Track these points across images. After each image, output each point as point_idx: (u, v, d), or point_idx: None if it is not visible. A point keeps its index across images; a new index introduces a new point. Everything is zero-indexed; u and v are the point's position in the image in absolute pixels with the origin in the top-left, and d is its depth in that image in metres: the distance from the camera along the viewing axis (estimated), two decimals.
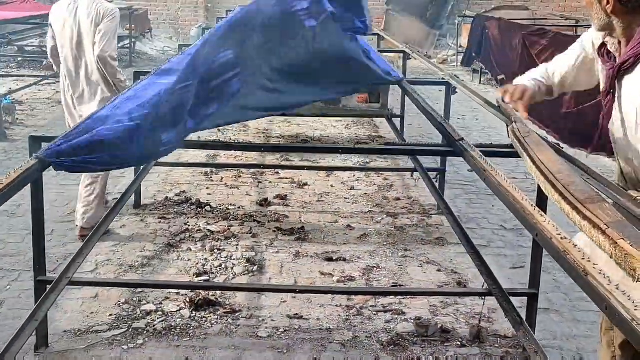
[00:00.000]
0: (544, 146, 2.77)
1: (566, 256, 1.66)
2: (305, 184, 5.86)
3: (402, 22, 14.56)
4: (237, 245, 4.59)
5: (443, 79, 5.06)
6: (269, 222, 5.03)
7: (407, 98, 5.00)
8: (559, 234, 1.77)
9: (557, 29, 9.54)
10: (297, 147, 3.14)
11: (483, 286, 3.46)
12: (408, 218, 5.20)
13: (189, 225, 4.88)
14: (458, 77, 5.06)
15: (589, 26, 12.45)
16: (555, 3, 15.32)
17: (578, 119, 6.39)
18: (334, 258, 4.43)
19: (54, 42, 4.76)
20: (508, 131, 3.10)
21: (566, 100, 6.22)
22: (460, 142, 2.96)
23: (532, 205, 2.04)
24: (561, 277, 4.15)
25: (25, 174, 2.35)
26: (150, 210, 5.17)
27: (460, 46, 13.65)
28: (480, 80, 11.60)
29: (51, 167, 2.51)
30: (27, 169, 2.37)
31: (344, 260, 4.41)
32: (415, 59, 6.85)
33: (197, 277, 4.08)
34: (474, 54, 11.33)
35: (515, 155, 2.88)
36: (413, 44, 10.26)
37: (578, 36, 9.66)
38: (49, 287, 3.11)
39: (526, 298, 3.35)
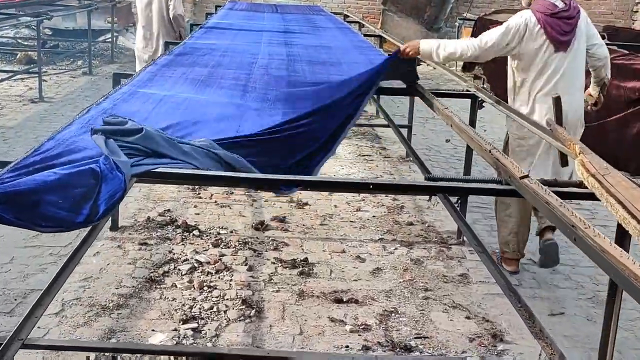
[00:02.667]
0: (635, 190, 2.15)
1: None
2: (306, 204, 5.21)
3: (399, 23, 13.96)
4: (231, 280, 3.92)
5: (468, 90, 4.42)
6: (266, 250, 4.37)
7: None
8: None
9: None
10: (310, 181, 2.47)
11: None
12: (425, 248, 4.55)
13: (173, 254, 4.20)
14: (485, 89, 4.43)
15: None
16: None
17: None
18: (344, 299, 3.78)
19: None
20: (576, 166, 2.49)
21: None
22: (526, 179, 2.33)
23: None
24: None
25: None
26: (130, 234, 4.48)
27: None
28: (482, 87, 10.99)
29: None
30: None
31: (356, 302, 3.77)
32: (428, 64, 6.24)
33: (183, 323, 3.41)
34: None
35: (593, 197, 2.26)
36: None
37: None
38: None
39: None
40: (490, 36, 3.93)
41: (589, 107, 4.27)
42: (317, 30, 6.99)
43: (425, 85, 4.24)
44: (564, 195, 2.24)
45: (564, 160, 3.26)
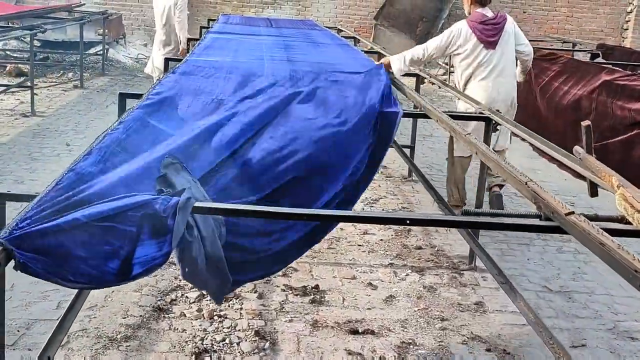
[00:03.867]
0: None
1: None
2: None
3: (391, 38, 13.93)
4: (241, 309, 3.78)
5: (482, 113, 4.32)
6: (275, 276, 4.23)
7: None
8: None
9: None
10: (349, 216, 2.34)
11: None
12: (437, 274, 4.44)
13: (180, 280, 4.05)
14: (498, 112, 4.33)
15: (586, 50, 11.87)
16: (548, 25, 14.82)
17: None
18: (360, 330, 3.65)
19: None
20: (617, 200, 2.39)
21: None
22: (572, 216, 2.22)
23: None
24: None
25: None
26: None
27: (452, 66, 13.02)
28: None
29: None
30: None
31: (372, 333, 3.64)
32: (433, 83, 6.16)
33: (196, 357, 3.26)
34: None
35: None
36: None
37: (591, 62, 9.02)
38: None
39: None
40: (435, 42, 5.35)
41: None
42: (318, 47, 6.88)
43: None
44: (613, 233, 2.13)
45: (593, 190, 3.16)
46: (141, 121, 3.09)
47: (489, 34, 5.24)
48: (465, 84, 5.38)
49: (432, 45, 5.32)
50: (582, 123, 3.17)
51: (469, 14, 5.39)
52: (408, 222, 2.29)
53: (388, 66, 5.14)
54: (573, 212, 2.26)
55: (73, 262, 1.72)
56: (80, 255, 1.73)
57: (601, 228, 2.12)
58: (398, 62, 5.32)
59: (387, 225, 5.22)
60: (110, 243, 1.78)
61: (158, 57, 8.43)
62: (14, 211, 1.97)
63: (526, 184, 2.58)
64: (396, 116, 3.33)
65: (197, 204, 2.06)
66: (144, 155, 2.52)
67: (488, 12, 5.32)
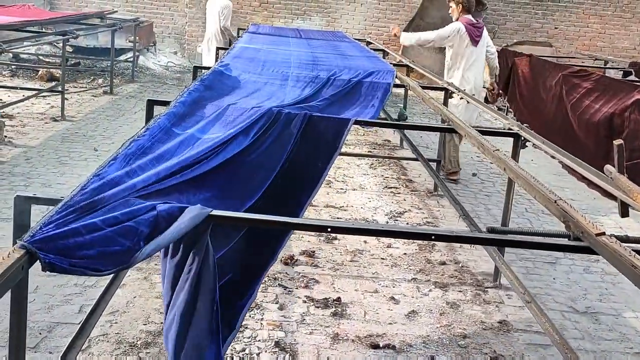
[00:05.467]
0: None
1: None
2: (335, 238, 5.05)
3: (420, 52, 13.88)
4: (262, 320, 3.76)
5: (511, 129, 4.27)
6: (296, 288, 4.21)
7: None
8: None
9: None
10: (375, 230, 2.32)
11: None
12: (460, 291, 4.38)
13: None
14: (528, 128, 4.27)
15: (618, 68, 11.72)
16: (580, 41, 14.67)
17: None
18: (381, 345, 3.61)
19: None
20: None
21: None
22: (603, 237, 2.17)
23: None
24: None
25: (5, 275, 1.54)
26: (156, 264, 4.33)
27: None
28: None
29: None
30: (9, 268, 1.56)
31: (393, 348, 3.60)
32: (462, 97, 6.10)
33: None
34: (500, 91, 10.61)
35: None
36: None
37: (623, 79, 8.91)
38: None
39: None
40: (442, 32, 6.94)
41: (488, 91, 7.53)
42: (346, 60, 6.86)
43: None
44: None
45: (624, 210, 3.10)
46: (166, 130, 3.11)
47: (476, 34, 6.89)
48: (449, 70, 7.07)
49: (438, 34, 7.01)
50: (614, 142, 3.11)
51: (457, 19, 6.97)
52: (433, 237, 2.25)
53: (398, 35, 7.50)
54: (604, 233, 2.21)
55: (95, 258, 1.78)
56: (99, 251, 1.79)
57: (633, 250, 2.07)
58: (408, 37, 7.37)
59: (410, 240, 5.17)
60: (122, 243, 1.85)
61: (206, 59, 10.10)
62: (40, 214, 1.99)
63: (555, 202, 2.54)
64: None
65: (213, 213, 2.06)
66: (166, 163, 2.54)
67: (472, 18, 6.97)
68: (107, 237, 1.87)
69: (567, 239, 2.37)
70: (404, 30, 14.20)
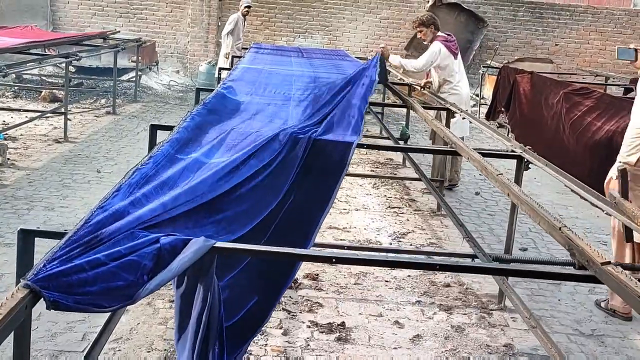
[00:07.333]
0: None
1: None
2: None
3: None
4: (266, 345, 3.74)
5: (514, 151, 4.27)
6: (300, 312, 4.19)
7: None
8: None
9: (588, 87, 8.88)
10: (378, 260, 2.30)
11: None
12: (465, 314, 4.36)
13: None
14: (530, 150, 4.27)
15: (619, 85, 11.73)
16: (581, 57, 14.71)
17: None
18: None
19: None
20: None
21: None
22: (609, 266, 2.16)
23: None
24: None
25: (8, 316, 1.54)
26: (159, 290, 4.31)
27: (483, 97, 12.97)
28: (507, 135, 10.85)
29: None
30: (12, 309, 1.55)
31: None
32: (464, 117, 6.11)
33: None
34: (502, 109, 10.61)
35: None
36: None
37: (624, 97, 8.90)
38: None
39: None
40: (424, 60, 7.15)
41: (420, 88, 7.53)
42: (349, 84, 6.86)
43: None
44: None
45: (628, 235, 3.10)
46: (170, 157, 3.11)
47: (454, 48, 7.20)
48: (440, 86, 7.29)
49: (424, 64, 7.17)
50: (617, 168, 3.12)
51: (431, 41, 7.19)
52: (438, 267, 2.24)
53: (386, 56, 7.17)
54: (609, 262, 2.20)
55: (98, 294, 1.78)
56: (103, 287, 1.80)
57: (638, 280, 2.06)
58: (396, 61, 7.48)
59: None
60: (125, 278, 1.86)
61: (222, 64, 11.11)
62: (44, 242, 1.99)
63: (560, 229, 2.53)
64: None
65: (218, 244, 2.06)
66: (172, 192, 2.53)
67: (443, 34, 7.29)
68: (110, 272, 1.87)
69: (572, 268, 2.36)
70: (405, 49, 14.33)
